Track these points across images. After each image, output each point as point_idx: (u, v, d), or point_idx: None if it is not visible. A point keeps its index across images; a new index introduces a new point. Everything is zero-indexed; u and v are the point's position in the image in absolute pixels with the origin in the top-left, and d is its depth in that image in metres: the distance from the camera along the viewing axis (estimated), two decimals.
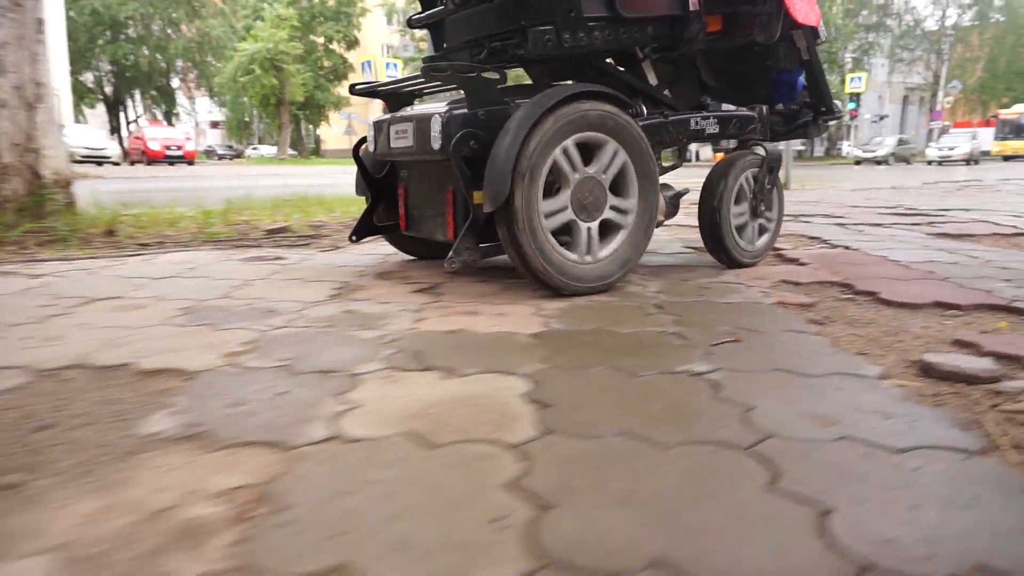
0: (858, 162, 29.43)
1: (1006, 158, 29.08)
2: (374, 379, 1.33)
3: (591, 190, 2.12)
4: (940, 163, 27.15)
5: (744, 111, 2.65)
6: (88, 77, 33.53)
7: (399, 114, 2.36)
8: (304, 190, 6.09)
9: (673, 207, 2.75)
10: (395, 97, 2.60)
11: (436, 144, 2.05)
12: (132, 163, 23.83)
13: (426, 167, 2.38)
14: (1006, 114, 32.35)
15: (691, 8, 2.28)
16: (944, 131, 39.01)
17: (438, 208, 2.32)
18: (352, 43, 36.22)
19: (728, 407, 1.18)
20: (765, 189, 2.67)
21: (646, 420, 1.13)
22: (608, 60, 2.48)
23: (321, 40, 36.43)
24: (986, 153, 30.88)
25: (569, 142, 2.04)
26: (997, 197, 5.90)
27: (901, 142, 31.38)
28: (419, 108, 2.41)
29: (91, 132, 22.14)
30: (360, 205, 2.85)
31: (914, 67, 40.68)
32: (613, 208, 2.19)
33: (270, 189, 7.07)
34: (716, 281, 2.38)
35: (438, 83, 2.42)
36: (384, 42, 40.15)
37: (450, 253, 2.04)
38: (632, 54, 2.44)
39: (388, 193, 2.66)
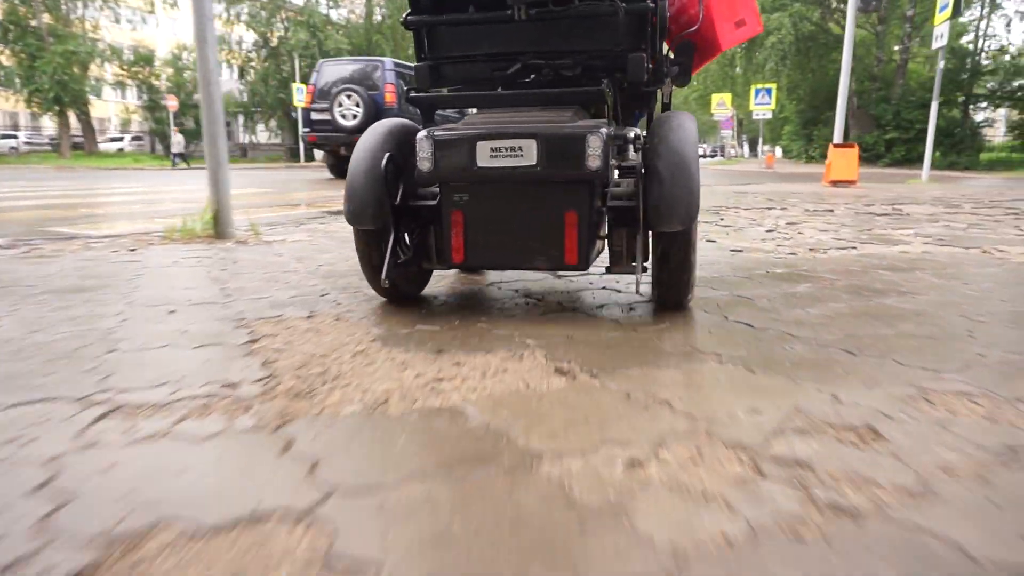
0: None
1: None
2: None
3: None
4: None
5: None
6: None
7: (493, 129, 2.14)
8: None
9: None
10: (432, 109, 2.46)
11: (595, 164, 2.01)
12: None
13: (523, 189, 2.19)
14: None
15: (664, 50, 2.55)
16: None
17: (546, 233, 2.19)
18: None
19: None
20: None
21: None
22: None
23: None
24: None
25: None
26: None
27: None
28: (522, 122, 2.17)
29: None
30: None
31: None
32: None
33: None
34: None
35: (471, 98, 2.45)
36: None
37: (637, 279, 2.14)
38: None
39: (406, 222, 2.37)
